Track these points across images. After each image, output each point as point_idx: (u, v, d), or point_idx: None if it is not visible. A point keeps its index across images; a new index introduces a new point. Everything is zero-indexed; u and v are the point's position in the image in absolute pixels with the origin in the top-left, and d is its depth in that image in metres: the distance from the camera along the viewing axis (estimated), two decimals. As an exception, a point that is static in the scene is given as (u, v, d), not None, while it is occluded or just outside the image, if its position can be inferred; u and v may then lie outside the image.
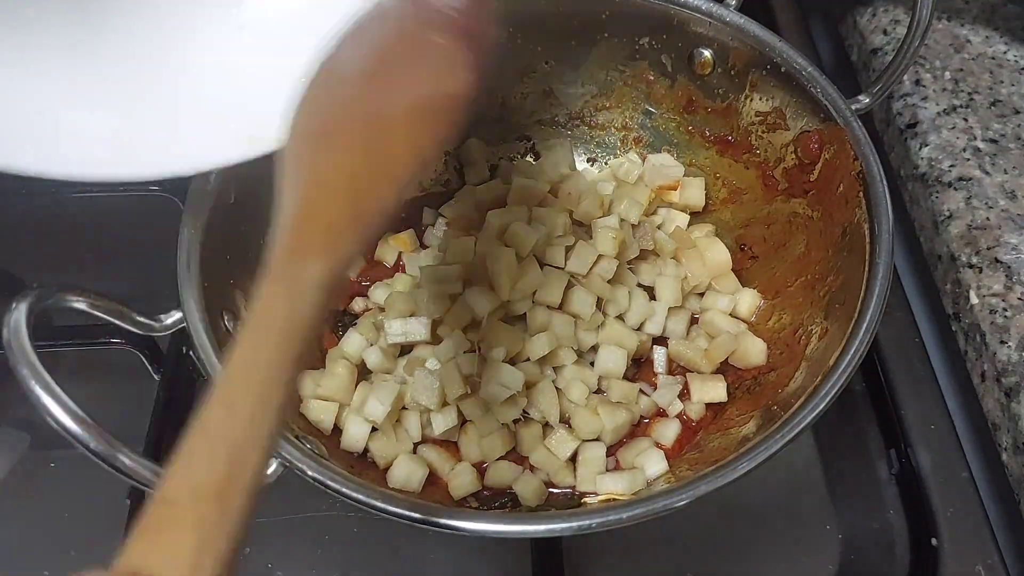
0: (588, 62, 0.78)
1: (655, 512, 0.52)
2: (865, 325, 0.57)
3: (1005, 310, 0.67)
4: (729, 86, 0.73)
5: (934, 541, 0.65)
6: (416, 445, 0.65)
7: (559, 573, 0.62)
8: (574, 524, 0.51)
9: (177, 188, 0.76)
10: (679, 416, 0.67)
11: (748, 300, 0.71)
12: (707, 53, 0.72)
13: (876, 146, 0.64)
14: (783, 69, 0.68)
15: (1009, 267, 0.68)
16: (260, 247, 0.67)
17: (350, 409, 0.65)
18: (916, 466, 0.68)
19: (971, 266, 0.69)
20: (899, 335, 0.75)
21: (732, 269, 0.73)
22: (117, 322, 0.55)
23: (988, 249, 0.69)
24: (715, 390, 0.67)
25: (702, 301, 0.73)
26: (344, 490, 0.52)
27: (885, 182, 0.61)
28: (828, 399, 0.54)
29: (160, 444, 0.68)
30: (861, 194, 0.62)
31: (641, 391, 0.68)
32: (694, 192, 0.76)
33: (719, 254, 0.73)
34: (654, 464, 0.63)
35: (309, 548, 0.66)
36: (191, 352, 0.57)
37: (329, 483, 0.52)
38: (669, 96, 0.77)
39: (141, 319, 0.57)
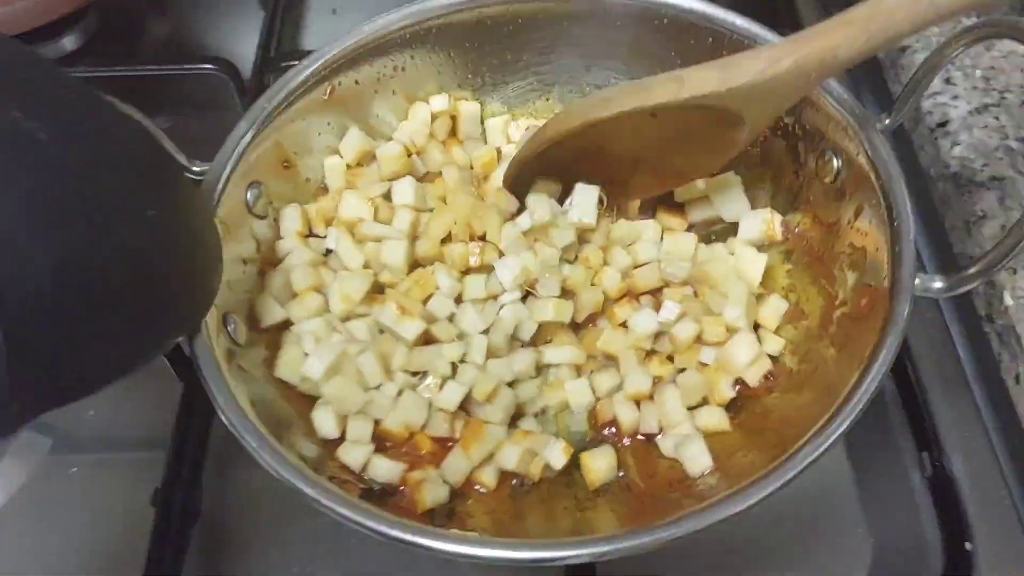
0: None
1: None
2: None
3: (1040, 312, 0.66)
4: (840, 202, 0.68)
5: (968, 546, 0.64)
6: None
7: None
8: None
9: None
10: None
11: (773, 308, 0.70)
12: (836, 161, 0.68)
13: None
14: (885, 205, 0.63)
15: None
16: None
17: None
18: (949, 471, 0.67)
19: (1006, 267, 0.68)
20: (930, 337, 0.74)
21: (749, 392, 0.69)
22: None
23: (1023, 250, 0.68)
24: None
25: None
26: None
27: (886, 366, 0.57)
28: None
29: (183, 446, 0.67)
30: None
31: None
32: (772, 313, 0.70)
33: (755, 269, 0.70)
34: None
35: (334, 549, 0.65)
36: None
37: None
38: (793, 185, 0.73)
39: None
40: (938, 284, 0.60)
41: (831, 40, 0.56)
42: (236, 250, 0.65)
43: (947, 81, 0.79)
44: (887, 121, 0.66)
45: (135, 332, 0.48)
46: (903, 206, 0.61)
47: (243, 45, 0.96)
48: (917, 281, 0.59)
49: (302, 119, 0.71)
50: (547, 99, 0.81)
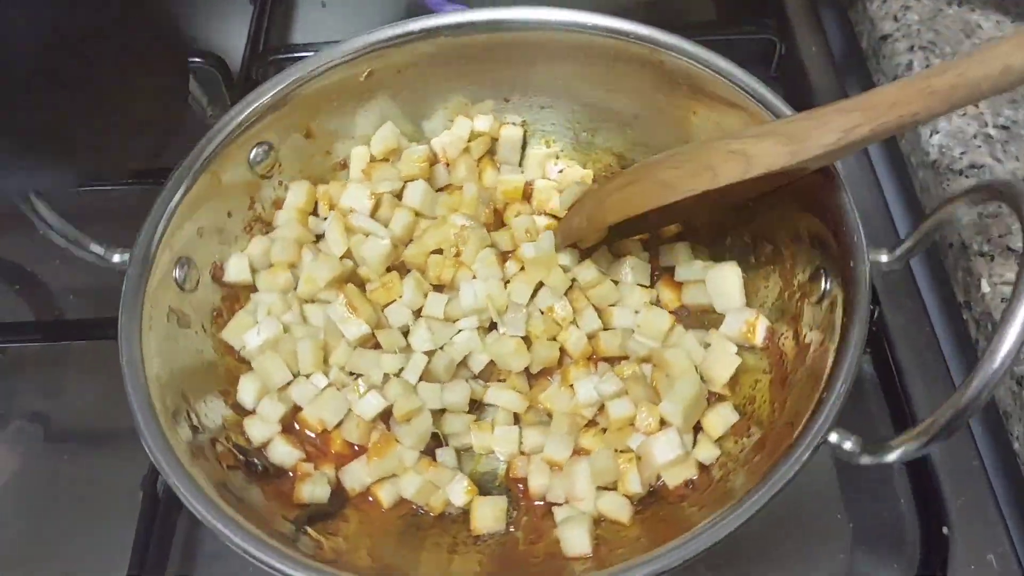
0: (744, 224, 0.72)
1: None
2: None
3: (1017, 298, 0.66)
4: (817, 327, 0.63)
5: (945, 530, 0.64)
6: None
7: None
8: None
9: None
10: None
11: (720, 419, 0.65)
12: (824, 282, 0.63)
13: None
14: (836, 347, 0.58)
15: (1021, 255, 0.67)
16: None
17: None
18: (927, 455, 0.67)
19: (982, 254, 0.69)
20: (909, 323, 0.75)
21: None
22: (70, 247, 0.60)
23: (1000, 237, 0.69)
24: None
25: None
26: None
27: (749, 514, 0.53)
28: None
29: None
30: None
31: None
32: (719, 421, 0.66)
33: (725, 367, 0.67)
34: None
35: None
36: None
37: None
38: (790, 293, 0.68)
39: (95, 248, 0.62)
40: (848, 445, 0.54)
41: (910, 109, 0.54)
42: (223, 201, 0.67)
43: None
44: (884, 259, 0.61)
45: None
46: (852, 355, 0.56)
47: (233, 39, 0.97)
48: (833, 437, 0.54)
49: (335, 96, 0.72)
50: (591, 136, 0.79)
